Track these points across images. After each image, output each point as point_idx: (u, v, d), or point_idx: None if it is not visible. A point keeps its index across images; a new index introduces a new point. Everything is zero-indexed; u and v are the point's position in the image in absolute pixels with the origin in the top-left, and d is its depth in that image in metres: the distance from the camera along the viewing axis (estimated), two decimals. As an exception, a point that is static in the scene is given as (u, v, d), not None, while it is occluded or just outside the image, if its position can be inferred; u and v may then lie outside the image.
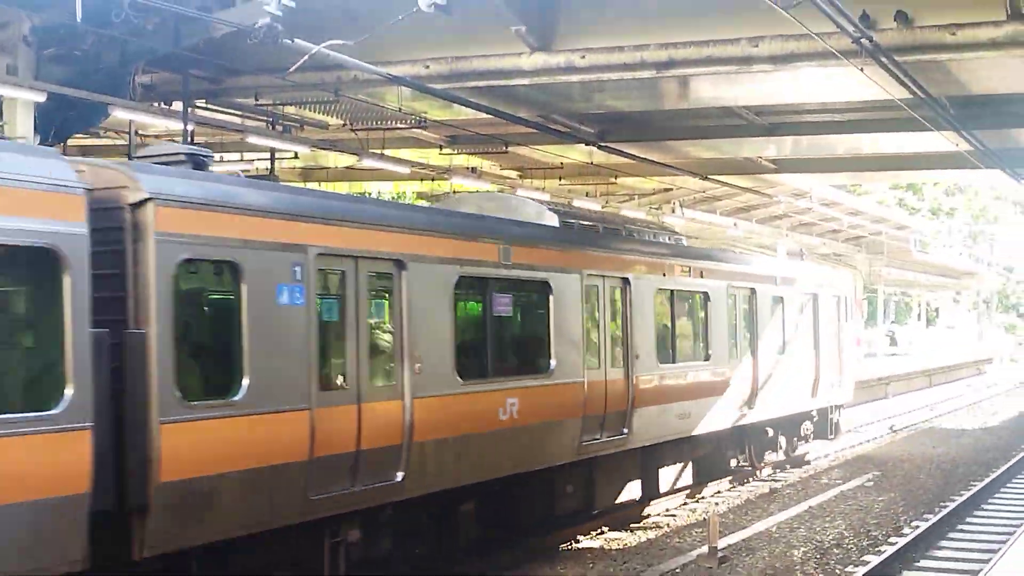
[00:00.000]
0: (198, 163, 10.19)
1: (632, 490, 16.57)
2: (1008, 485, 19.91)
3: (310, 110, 20.08)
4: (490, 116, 18.15)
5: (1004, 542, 12.44)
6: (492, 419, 12.80)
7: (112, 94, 15.14)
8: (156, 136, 22.07)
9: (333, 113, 20.43)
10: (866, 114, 21.06)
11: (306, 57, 12.74)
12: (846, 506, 17.71)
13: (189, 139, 17.57)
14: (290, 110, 19.91)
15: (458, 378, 12.19)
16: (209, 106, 18.65)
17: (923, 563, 13.89)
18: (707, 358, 18.14)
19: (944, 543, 15.08)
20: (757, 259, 23.49)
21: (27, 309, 8.55)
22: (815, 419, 22.90)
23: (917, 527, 15.61)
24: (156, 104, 17.32)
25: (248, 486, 9.56)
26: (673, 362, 17.07)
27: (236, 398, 9.44)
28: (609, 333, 15.35)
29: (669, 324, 17.26)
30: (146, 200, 8.77)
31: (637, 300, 15.79)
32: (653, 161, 23.75)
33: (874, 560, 13.50)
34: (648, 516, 17.18)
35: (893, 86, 15.02)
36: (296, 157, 24.22)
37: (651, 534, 15.99)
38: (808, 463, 23.17)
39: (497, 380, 13.11)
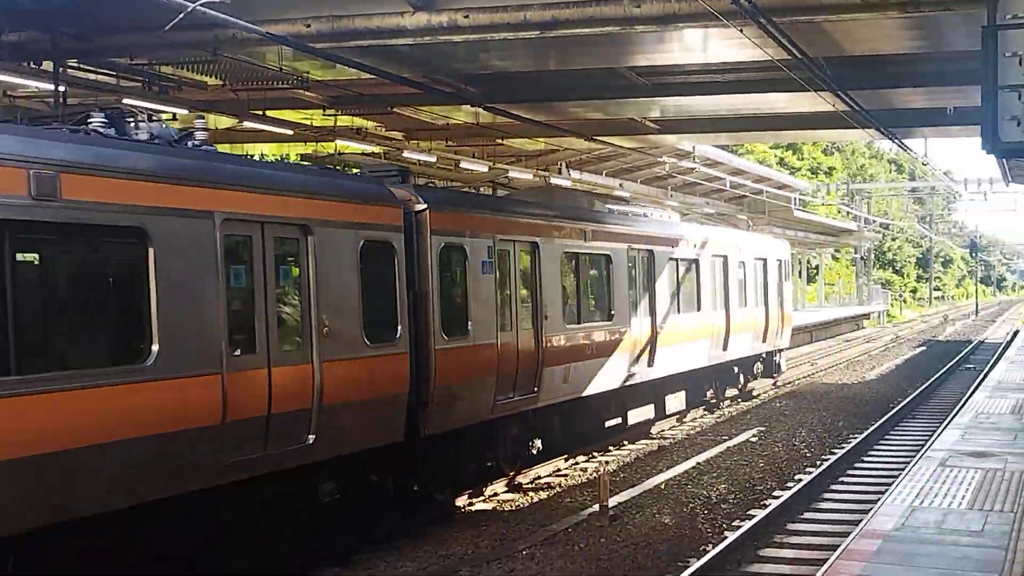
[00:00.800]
0: (404, 176, 14.75)
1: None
2: (885, 438, 20.55)
3: (188, 70, 19.56)
4: (374, 76, 17.95)
5: (883, 492, 12.81)
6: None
7: (-24, 54, 14.60)
8: (26, 97, 21.37)
9: (212, 73, 19.91)
10: (747, 75, 21.30)
11: (182, 15, 12.40)
12: (732, 462, 18.09)
13: (61, 100, 17.05)
14: (167, 70, 19.39)
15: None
16: (82, 66, 18.06)
17: (808, 515, 14.26)
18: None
19: (827, 494, 15.52)
20: (718, 231, 29.15)
21: (381, 281, 13.01)
22: (763, 360, 28.66)
23: (800, 480, 16.02)
24: (25, 64, 16.70)
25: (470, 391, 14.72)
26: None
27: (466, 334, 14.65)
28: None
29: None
30: (425, 209, 13.91)
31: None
32: (539, 122, 23.75)
33: (759, 513, 13.82)
34: (540, 477, 17.32)
35: (772, 47, 15.23)
36: (175, 119, 23.60)
37: (543, 495, 16.16)
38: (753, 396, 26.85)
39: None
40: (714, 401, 25.66)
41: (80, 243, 9.58)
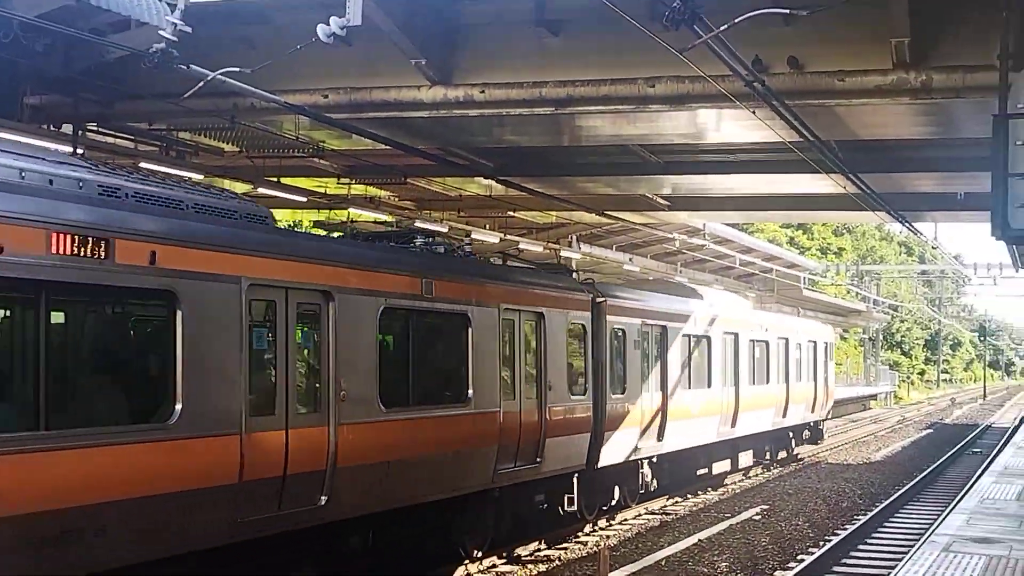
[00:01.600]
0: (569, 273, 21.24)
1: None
2: (889, 521, 20.34)
3: (205, 136, 19.78)
4: (389, 147, 18.12)
5: (891, 570, 12.67)
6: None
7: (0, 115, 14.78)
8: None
9: (229, 140, 20.14)
10: (758, 155, 21.46)
11: (201, 84, 12.55)
12: (734, 539, 17.90)
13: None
14: (184, 135, 19.61)
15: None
16: (100, 130, 18.26)
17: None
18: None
19: (835, 570, 15.34)
20: (781, 318, 34.12)
21: (579, 351, 17.93)
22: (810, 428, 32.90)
23: (802, 560, 15.87)
24: (45, 126, 16.88)
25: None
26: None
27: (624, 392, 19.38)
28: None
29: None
30: (603, 300, 18.69)
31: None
32: (550, 196, 23.93)
33: (761, 595, 13.69)
34: (539, 550, 17.18)
35: (784, 129, 15.38)
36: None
37: (542, 567, 15.98)
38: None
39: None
40: (769, 461, 29.95)
41: None
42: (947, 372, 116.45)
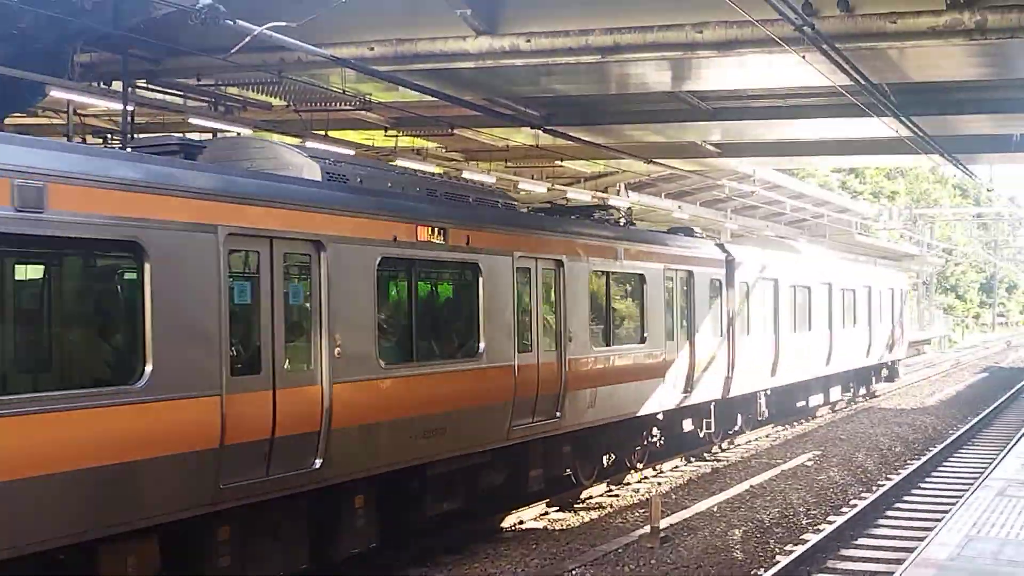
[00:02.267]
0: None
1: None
2: (943, 465, 20.28)
3: (253, 91, 19.90)
4: (435, 99, 18.12)
5: (939, 520, 12.66)
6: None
7: (50, 74, 14.92)
8: (95, 116, 21.76)
9: (276, 94, 20.27)
10: (808, 100, 21.27)
11: (248, 39, 12.63)
12: (786, 485, 17.92)
13: (129, 119, 17.39)
14: (232, 90, 19.74)
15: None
16: (150, 86, 18.42)
17: (861, 541, 14.11)
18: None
19: (881, 521, 15.34)
20: (868, 268, 37.17)
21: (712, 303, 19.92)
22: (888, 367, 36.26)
23: (855, 506, 15.86)
24: (95, 84, 17.06)
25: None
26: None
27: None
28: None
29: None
30: (732, 259, 21.37)
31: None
32: (598, 144, 23.83)
33: (813, 539, 13.70)
34: (591, 497, 17.30)
35: (835, 73, 15.19)
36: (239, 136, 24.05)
37: (593, 514, 16.10)
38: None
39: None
40: (861, 394, 33.66)
41: None
42: (1003, 315, 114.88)
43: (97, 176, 8.78)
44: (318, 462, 10.71)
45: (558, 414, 15.14)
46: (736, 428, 23.67)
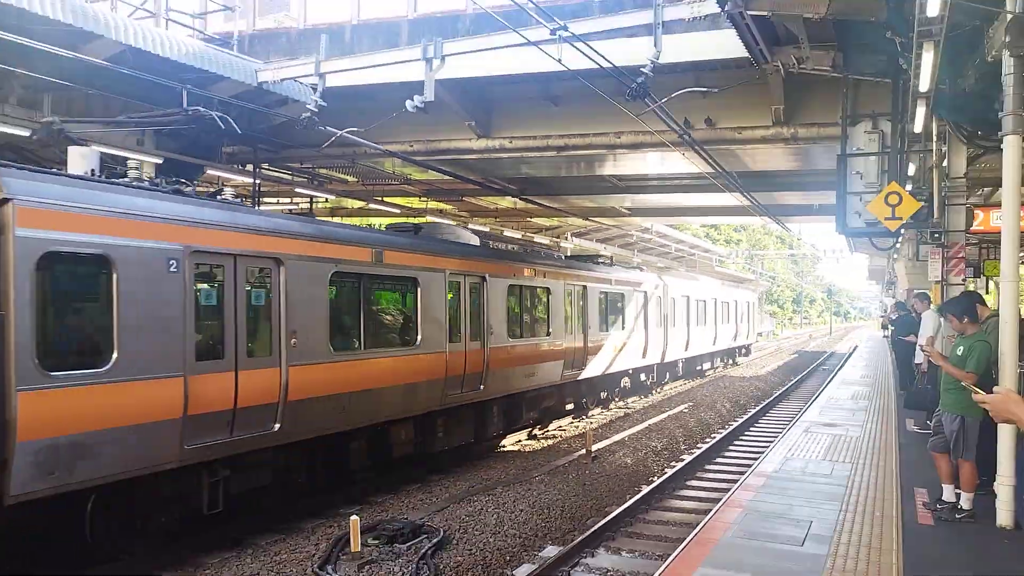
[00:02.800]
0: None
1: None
2: (769, 412, 20.33)
3: (335, 171, 19.84)
4: (450, 178, 18.11)
5: (767, 447, 12.67)
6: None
7: (207, 159, 14.86)
8: (234, 187, 21.59)
9: (350, 173, 20.21)
10: (686, 180, 21.28)
11: (333, 138, 12.60)
12: (672, 424, 17.93)
13: (256, 189, 17.27)
14: (322, 171, 19.66)
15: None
16: (270, 168, 18.36)
17: (719, 460, 14.14)
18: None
19: (730, 447, 15.36)
20: (729, 288, 36.50)
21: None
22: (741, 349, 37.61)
23: (714, 437, 15.88)
24: (235, 166, 17.00)
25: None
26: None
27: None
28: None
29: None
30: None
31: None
32: (553, 207, 23.84)
33: (688, 458, 13.71)
34: (547, 431, 17.25)
35: (702, 164, 15.27)
36: (326, 201, 23.94)
37: (550, 442, 16.07)
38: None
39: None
40: (731, 363, 35.03)
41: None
42: (807, 318, 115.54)
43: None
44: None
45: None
46: (666, 380, 25.31)
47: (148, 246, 7.67)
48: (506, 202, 24.59)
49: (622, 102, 10.79)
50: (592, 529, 9.37)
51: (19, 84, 11.47)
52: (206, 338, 8.33)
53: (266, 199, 21.51)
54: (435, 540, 8.88)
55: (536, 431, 16.80)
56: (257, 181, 17.09)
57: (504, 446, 15.42)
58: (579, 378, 17.62)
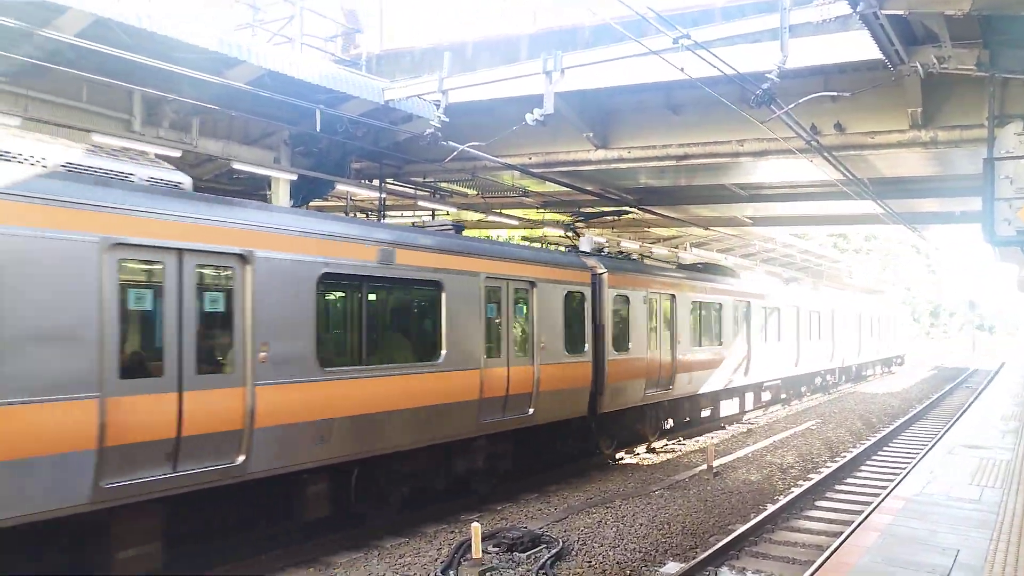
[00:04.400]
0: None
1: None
2: (907, 431, 19.20)
3: (457, 184, 20.28)
4: (568, 189, 18.15)
5: (906, 468, 11.96)
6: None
7: (336, 175, 15.51)
8: (360, 201, 22.47)
9: (471, 187, 20.60)
10: (814, 189, 20.47)
11: (455, 152, 12.89)
12: (799, 441, 17.26)
13: (382, 203, 17.89)
14: (444, 184, 20.14)
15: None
16: (395, 183, 18.97)
17: (850, 480, 13.47)
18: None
19: (865, 466, 14.61)
20: (872, 301, 38.09)
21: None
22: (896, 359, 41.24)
23: (846, 455, 15.15)
24: (363, 181, 17.67)
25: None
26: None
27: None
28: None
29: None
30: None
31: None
32: (673, 217, 23.46)
33: (816, 476, 13.15)
34: (666, 446, 16.96)
35: (832, 171, 14.65)
36: (447, 215, 24.49)
37: (669, 456, 15.80)
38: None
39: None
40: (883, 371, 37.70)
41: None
42: (945, 332, 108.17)
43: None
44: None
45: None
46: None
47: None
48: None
49: (746, 109, 10.51)
50: (716, 547, 9.12)
51: (171, 108, 12.39)
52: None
53: (390, 212, 22.21)
54: (554, 551, 8.90)
55: (655, 443, 16.54)
56: (383, 195, 17.69)
57: (623, 458, 15.27)
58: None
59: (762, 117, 11.02)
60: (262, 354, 7.64)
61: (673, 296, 16.48)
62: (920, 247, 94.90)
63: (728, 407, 20.08)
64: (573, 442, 13.66)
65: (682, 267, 19.27)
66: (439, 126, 11.63)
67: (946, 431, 15.06)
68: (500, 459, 11.46)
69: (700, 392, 17.56)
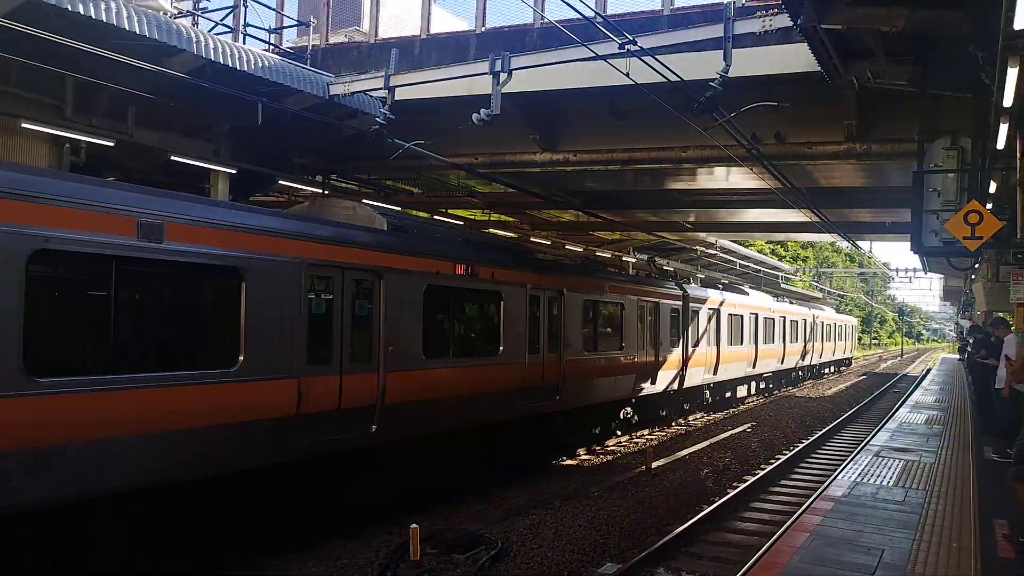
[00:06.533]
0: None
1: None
2: (836, 435, 19.76)
3: (402, 183, 20.13)
4: (514, 191, 18.20)
5: (835, 470, 12.31)
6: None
7: (279, 170, 15.25)
8: (303, 197, 22.11)
9: (416, 185, 20.48)
10: (753, 196, 20.94)
11: (400, 151, 12.77)
12: (735, 443, 17.59)
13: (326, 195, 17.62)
14: (389, 182, 19.98)
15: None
16: (338, 180, 18.74)
17: (784, 482, 13.79)
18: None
19: (796, 470, 14.97)
20: (826, 312, 41.59)
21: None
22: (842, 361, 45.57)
23: (779, 458, 15.50)
24: (306, 176, 17.41)
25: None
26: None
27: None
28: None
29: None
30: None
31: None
32: (616, 221, 23.72)
33: (751, 479, 13.42)
34: (607, 447, 17.13)
35: (771, 180, 15.00)
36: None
37: (609, 458, 15.95)
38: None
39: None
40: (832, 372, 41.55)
41: None
42: (877, 339, 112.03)
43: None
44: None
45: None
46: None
47: None
48: (568, 215, 24.54)
49: (689, 116, 10.70)
50: (651, 548, 9.24)
51: (106, 97, 11.99)
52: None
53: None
54: (493, 551, 8.89)
55: (595, 446, 16.68)
56: (326, 192, 17.45)
57: (563, 460, 15.35)
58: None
59: (705, 125, 11.21)
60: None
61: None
62: (854, 256, 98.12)
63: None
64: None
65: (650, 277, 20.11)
66: (385, 123, 11.52)
67: (874, 434, 15.53)
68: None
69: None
